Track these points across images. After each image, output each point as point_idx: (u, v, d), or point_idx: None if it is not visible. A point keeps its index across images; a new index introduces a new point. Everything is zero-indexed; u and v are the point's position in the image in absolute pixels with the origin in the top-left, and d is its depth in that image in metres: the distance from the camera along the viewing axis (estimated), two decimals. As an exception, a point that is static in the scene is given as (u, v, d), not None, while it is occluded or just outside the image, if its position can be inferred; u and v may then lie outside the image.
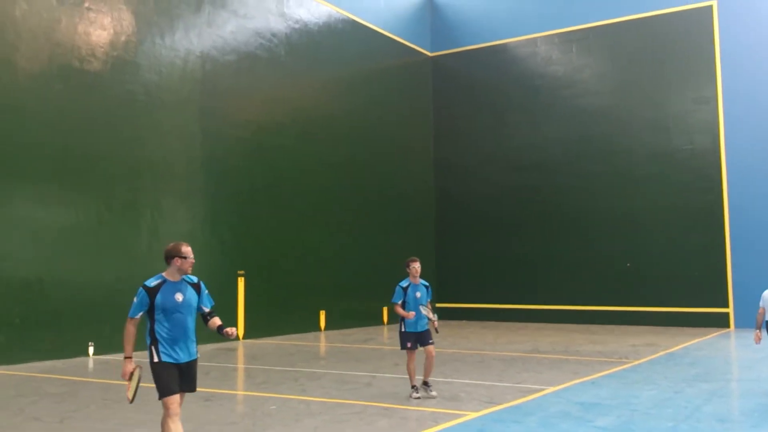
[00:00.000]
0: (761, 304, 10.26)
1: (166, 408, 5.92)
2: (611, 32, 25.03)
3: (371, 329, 22.70)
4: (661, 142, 23.93)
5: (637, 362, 13.99)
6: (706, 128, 23.30)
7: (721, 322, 22.47)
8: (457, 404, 9.37)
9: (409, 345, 9.99)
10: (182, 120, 18.11)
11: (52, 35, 15.26)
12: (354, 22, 24.28)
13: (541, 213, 25.64)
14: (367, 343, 18.53)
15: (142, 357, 6.16)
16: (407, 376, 10.27)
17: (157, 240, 16.82)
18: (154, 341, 5.97)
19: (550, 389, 10.58)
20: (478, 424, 8.17)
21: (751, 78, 22.78)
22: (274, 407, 9.26)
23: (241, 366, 13.82)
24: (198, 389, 6.37)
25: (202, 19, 18.79)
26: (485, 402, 9.50)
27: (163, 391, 5.91)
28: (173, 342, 5.97)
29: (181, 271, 6.10)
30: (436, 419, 8.42)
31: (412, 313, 9.81)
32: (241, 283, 19.02)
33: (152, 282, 6.03)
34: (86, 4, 16.00)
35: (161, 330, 5.96)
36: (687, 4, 23.79)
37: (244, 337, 18.85)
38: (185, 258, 6.07)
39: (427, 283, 10.17)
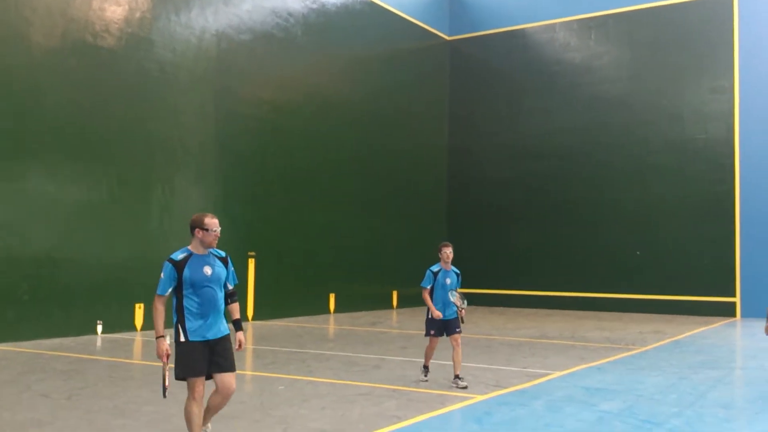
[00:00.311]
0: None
1: (190, 390, 5.63)
2: (630, 19, 24.80)
3: (381, 312, 22.75)
4: (676, 131, 23.78)
5: (643, 349, 13.99)
6: (720, 118, 23.14)
7: (728, 311, 22.46)
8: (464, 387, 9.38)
9: (432, 333, 9.66)
10: (196, 98, 18.07)
11: (67, 10, 15.21)
12: (372, 3, 24.12)
13: (553, 200, 25.56)
14: (376, 326, 18.57)
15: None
16: (416, 360, 10.19)
17: (169, 219, 16.84)
18: (182, 318, 5.64)
19: (556, 374, 10.60)
20: (485, 406, 8.19)
21: (768, 69, 22.61)
22: (282, 387, 9.30)
23: (249, 347, 13.86)
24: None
25: (217, -2, 18.71)
26: (492, 385, 9.52)
27: (185, 371, 5.60)
28: (203, 318, 5.65)
29: (205, 244, 5.79)
30: (443, 401, 8.44)
31: (439, 314, 9.43)
32: (251, 264, 19.04)
33: (178, 255, 5.72)
34: (102, -19, 15.95)
35: (191, 305, 5.65)
36: (707, -8, 23.59)
37: (253, 318, 18.92)
38: (207, 230, 5.77)
39: (458, 271, 9.80)
